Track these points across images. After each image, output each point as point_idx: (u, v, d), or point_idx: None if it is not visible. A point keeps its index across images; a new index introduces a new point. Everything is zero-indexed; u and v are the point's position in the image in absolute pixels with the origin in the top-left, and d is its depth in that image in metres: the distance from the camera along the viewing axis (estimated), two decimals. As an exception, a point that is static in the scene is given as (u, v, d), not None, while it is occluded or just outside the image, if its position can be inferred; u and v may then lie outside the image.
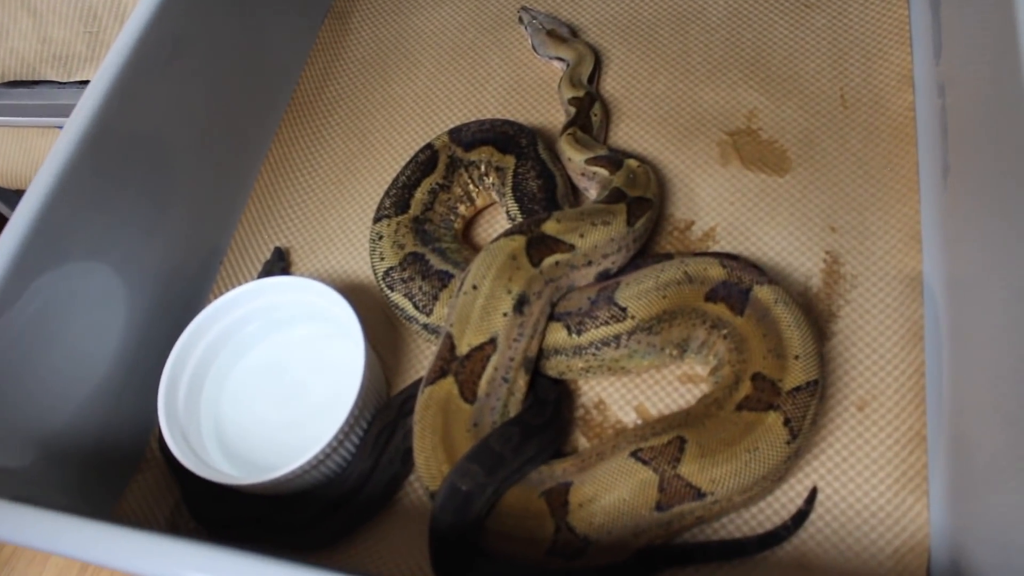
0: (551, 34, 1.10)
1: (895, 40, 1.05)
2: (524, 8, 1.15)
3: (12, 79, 1.51)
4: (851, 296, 0.87)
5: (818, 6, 1.10)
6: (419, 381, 0.84)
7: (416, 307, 0.85)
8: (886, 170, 0.95)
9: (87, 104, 0.84)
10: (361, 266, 1.00)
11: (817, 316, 0.86)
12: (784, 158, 0.98)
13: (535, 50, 1.11)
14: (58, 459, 0.82)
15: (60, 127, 1.57)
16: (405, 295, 0.86)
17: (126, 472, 0.90)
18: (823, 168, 0.96)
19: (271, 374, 0.88)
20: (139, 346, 0.90)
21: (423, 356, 0.91)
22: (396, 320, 0.93)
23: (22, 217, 0.78)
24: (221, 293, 1.00)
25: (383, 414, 0.83)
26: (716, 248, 0.92)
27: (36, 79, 1.52)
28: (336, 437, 0.77)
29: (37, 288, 0.78)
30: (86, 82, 1.48)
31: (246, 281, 1.01)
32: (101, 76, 0.86)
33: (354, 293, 0.96)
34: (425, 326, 0.86)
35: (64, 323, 0.82)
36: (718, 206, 0.95)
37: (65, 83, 1.54)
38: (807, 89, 1.03)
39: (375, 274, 0.90)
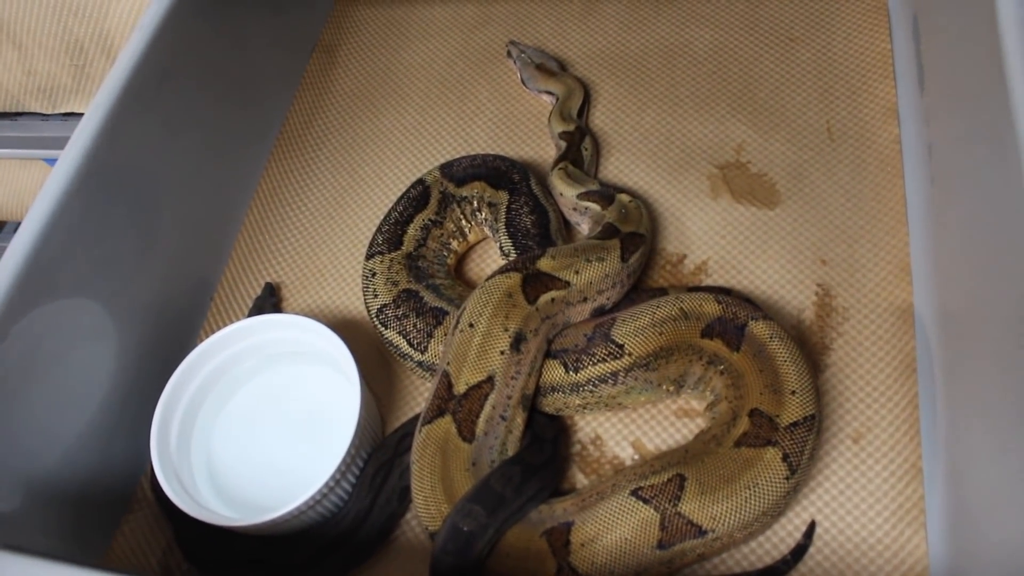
0: (540, 68, 1.11)
1: (879, 73, 1.07)
2: (512, 42, 1.16)
3: (-5, 112, 1.50)
4: (843, 329, 0.88)
5: (803, 40, 1.12)
6: (415, 418, 0.84)
7: (411, 344, 0.85)
8: (874, 202, 0.96)
9: (80, 139, 0.84)
10: (353, 301, 0.99)
11: (811, 349, 0.86)
12: (773, 191, 0.99)
13: (524, 84, 1.12)
14: (48, 502, 0.80)
15: (43, 159, 1.56)
16: (399, 332, 0.86)
17: (117, 513, 0.89)
18: (812, 201, 0.97)
19: (264, 413, 0.87)
20: (130, 384, 0.89)
21: (418, 393, 0.91)
22: (390, 357, 0.93)
23: (15, 254, 0.77)
24: (212, 329, 1.00)
25: (379, 452, 0.82)
26: (708, 282, 0.93)
27: (20, 111, 1.51)
28: (333, 476, 0.76)
29: (25, 326, 0.77)
30: (71, 114, 1.48)
31: (237, 317, 1.01)
32: (94, 111, 0.86)
33: (346, 329, 0.96)
34: (420, 363, 0.86)
35: (52, 361, 0.81)
36: (710, 240, 0.96)
37: (49, 115, 1.53)
38: (794, 122, 1.04)
39: (368, 311, 0.89)
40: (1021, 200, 0.65)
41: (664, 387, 0.81)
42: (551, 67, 1.12)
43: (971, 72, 0.82)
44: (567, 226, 0.98)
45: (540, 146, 1.09)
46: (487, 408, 0.75)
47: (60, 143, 1.44)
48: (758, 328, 0.77)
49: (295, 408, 0.87)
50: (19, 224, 1.79)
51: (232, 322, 0.98)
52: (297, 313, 0.91)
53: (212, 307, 1.03)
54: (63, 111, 1.50)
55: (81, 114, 1.38)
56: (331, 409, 0.85)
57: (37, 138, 1.56)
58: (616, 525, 0.70)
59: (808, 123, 1.04)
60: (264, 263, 1.05)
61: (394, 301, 0.87)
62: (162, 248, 0.95)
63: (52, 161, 1.53)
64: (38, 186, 1.61)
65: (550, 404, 0.82)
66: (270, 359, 0.89)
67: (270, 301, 1.00)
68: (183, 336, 0.99)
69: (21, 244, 0.78)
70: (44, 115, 1.54)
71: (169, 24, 0.94)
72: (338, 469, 0.76)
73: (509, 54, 1.15)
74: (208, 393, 0.87)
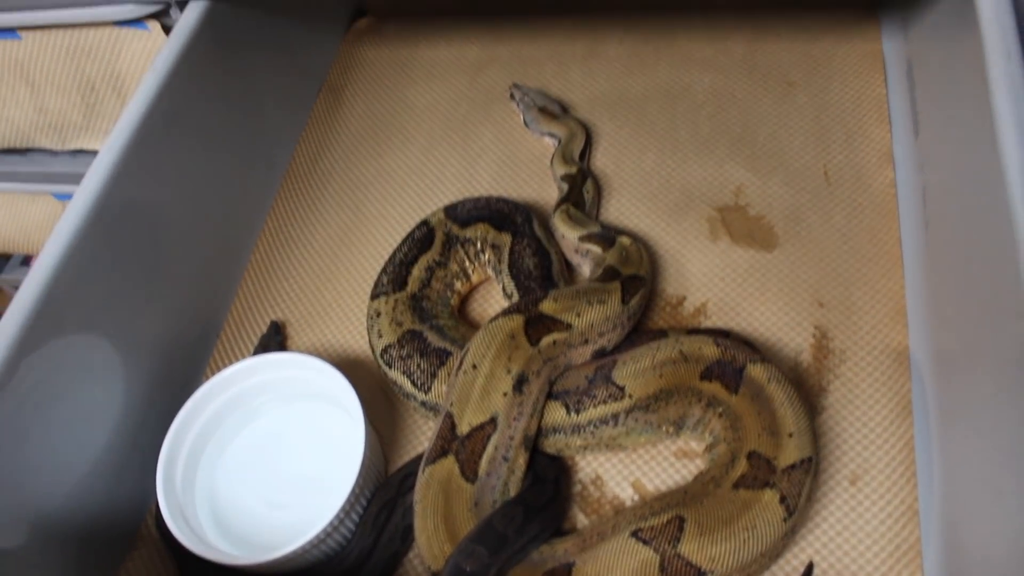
0: (543, 110, 1.14)
1: (875, 118, 1.09)
2: (515, 85, 1.19)
3: (6, 147, 1.52)
4: (840, 371, 0.89)
5: (800, 84, 1.15)
6: (418, 458, 0.85)
7: (414, 384, 0.87)
8: (870, 245, 0.98)
9: (94, 178, 0.86)
10: (357, 340, 1.01)
11: (808, 391, 0.88)
12: (772, 234, 1.01)
13: (527, 126, 1.14)
14: (52, 538, 0.81)
15: (51, 193, 1.58)
16: (403, 372, 0.87)
17: (121, 550, 0.90)
18: (809, 243, 0.99)
19: (269, 451, 0.88)
20: (137, 420, 0.91)
21: (421, 432, 0.92)
22: (394, 396, 0.94)
23: (30, 290, 0.78)
24: (218, 367, 1.01)
25: (382, 491, 0.83)
26: (708, 324, 0.95)
27: (29, 147, 1.54)
28: (337, 515, 0.77)
29: (34, 361, 0.79)
30: (80, 151, 1.50)
31: (243, 355, 1.02)
32: (108, 150, 0.88)
33: (350, 368, 0.98)
34: (423, 403, 0.87)
35: (60, 397, 0.82)
36: (709, 282, 0.98)
37: (58, 151, 1.55)
38: (792, 165, 1.06)
39: (373, 351, 0.91)
40: (1012, 243, 0.67)
41: (664, 428, 0.83)
42: (553, 110, 1.14)
43: (963, 117, 0.84)
44: (569, 268, 0.99)
45: (542, 188, 1.11)
46: (490, 449, 0.76)
47: (68, 178, 1.46)
48: (756, 371, 0.79)
49: (300, 447, 0.88)
50: (25, 257, 1.81)
51: (238, 360, 0.99)
52: (302, 352, 0.92)
53: (218, 345, 1.04)
54: (72, 147, 1.52)
55: (90, 151, 1.41)
56: (335, 448, 0.87)
57: (46, 173, 1.58)
58: (616, 566, 0.71)
59: (805, 166, 1.06)
60: (270, 301, 1.07)
61: (399, 341, 0.89)
62: (169, 286, 0.97)
63: (60, 196, 1.56)
64: (45, 220, 1.63)
65: (552, 445, 0.84)
66: (275, 398, 0.90)
67: (275, 339, 1.01)
68: (189, 373, 1.00)
69: (35, 281, 0.79)
70: (53, 151, 1.56)
71: (181, 67, 0.97)
72: (342, 508, 0.77)
73: (512, 96, 1.18)
74: (214, 431, 0.88)
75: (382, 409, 0.94)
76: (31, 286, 0.79)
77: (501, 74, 1.26)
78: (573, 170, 1.04)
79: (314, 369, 0.86)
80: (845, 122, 1.09)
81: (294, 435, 0.89)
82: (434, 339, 0.88)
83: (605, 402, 0.80)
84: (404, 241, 0.98)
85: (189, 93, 0.99)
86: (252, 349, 1.02)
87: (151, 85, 0.94)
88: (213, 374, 0.91)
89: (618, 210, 1.06)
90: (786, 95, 1.14)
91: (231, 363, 0.96)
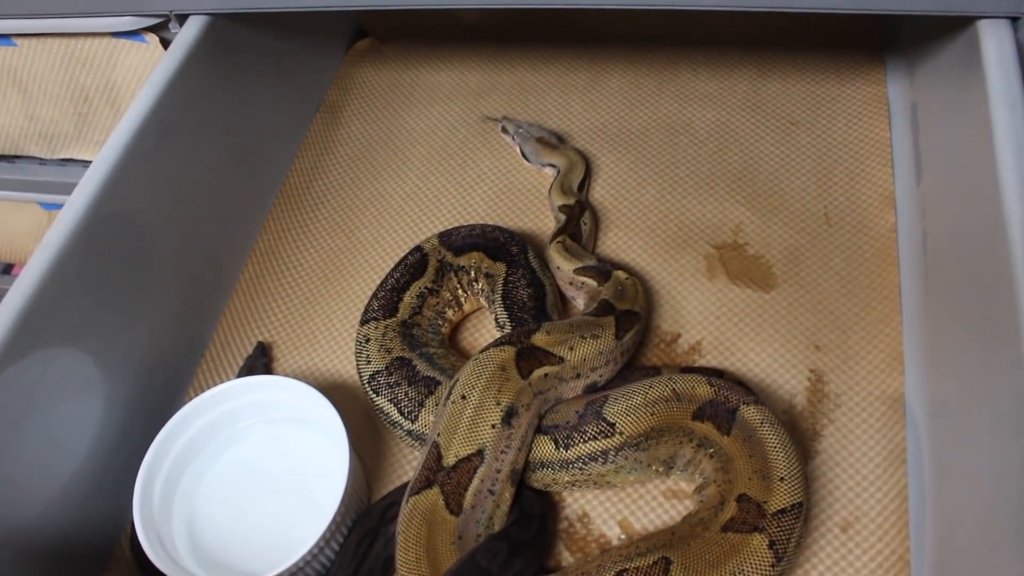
0: (541, 141, 1.15)
1: (877, 161, 1.11)
2: (506, 118, 1.20)
3: (-6, 154, 1.53)
4: (835, 416, 0.90)
5: (803, 124, 1.17)
6: (401, 487, 0.86)
7: (401, 413, 0.87)
8: (869, 290, 0.99)
9: (85, 190, 0.86)
10: (345, 366, 1.01)
11: (801, 435, 0.89)
12: (770, 274, 1.02)
13: (526, 159, 1.16)
14: (22, 556, 0.81)
15: (38, 202, 1.58)
16: (391, 400, 0.88)
17: (94, 571, 0.90)
18: (808, 286, 1.00)
19: (250, 476, 0.88)
20: (115, 439, 0.91)
21: (406, 462, 0.92)
22: (380, 424, 0.95)
23: (15, 301, 0.79)
24: (202, 386, 1.02)
25: (364, 520, 0.84)
26: (702, 362, 0.95)
27: (18, 154, 1.55)
28: (317, 543, 0.77)
29: (13, 375, 0.79)
30: (69, 160, 1.51)
31: (228, 375, 1.03)
32: (100, 163, 0.89)
33: (336, 393, 0.98)
34: (409, 432, 0.88)
35: (38, 412, 0.82)
36: (704, 320, 0.99)
37: (46, 160, 1.56)
38: (792, 206, 1.08)
39: (360, 377, 0.92)
40: (1011, 294, 0.68)
41: (654, 467, 0.83)
42: (552, 140, 1.16)
43: (966, 164, 0.86)
44: (563, 300, 1.00)
45: (539, 218, 1.12)
46: (475, 481, 0.77)
47: (56, 188, 1.47)
48: (749, 413, 0.80)
49: (282, 472, 0.88)
50: (8, 265, 1.81)
51: (222, 381, 1.00)
52: (288, 375, 0.93)
53: (203, 364, 1.05)
54: (61, 157, 1.53)
55: (80, 161, 1.42)
56: (318, 474, 0.87)
57: (33, 182, 1.59)
58: (600, 607, 0.71)
59: (806, 207, 1.07)
60: (257, 322, 1.08)
61: (387, 368, 0.89)
62: (155, 302, 0.97)
63: (47, 205, 1.56)
64: (31, 228, 1.64)
65: (539, 480, 0.84)
66: (259, 421, 0.91)
67: (261, 361, 1.02)
68: (172, 392, 1.01)
69: (20, 293, 0.80)
70: (42, 159, 1.57)
71: (177, 81, 0.98)
72: (323, 536, 0.77)
73: (504, 130, 1.19)
74: (195, 452, 0.88)
75: (367, 437, 0.94)
76: (15, 297, 0.80)
77: (501, 101, 1.28)
78: (571, 201, 1.06)
79: (299, 393, 0.87)
80: (847, 164, 1.11)
81: (277, 459, 0.89)
82: (423, 367, 0.89)
83: (595, 438, 0.80)
84: (396, 266, 0.99)
85: (184, 108, 1.00)
86: (237, 370, 1.03)
87: (147, 98, 0.95)
88: (196, 394, 0.91)
89: (615, 244, 1.08)
90: (789, 134, 1.16)
91: (215, 384, 0.96)
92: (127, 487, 0.83)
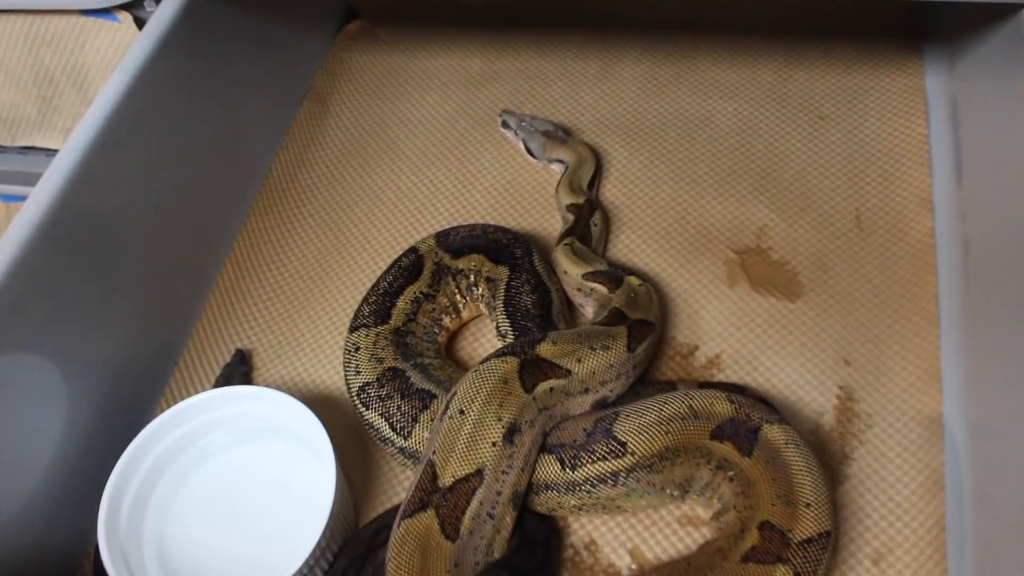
0: (547, 135, 1.15)
1: (914, 160, 1.11)
2: (507, 111, 1.21)
3: (-51, 141, 1.53)
4: (866, 437, 0.90)
5: (834, 119, 1.17)
6: (392, 510, 0.86)
7: (393, 428, 0.87)
8: (904, 300, 0.99)
9: (51, 182, 0.86)
10: (331, 376, 1.02)
11: (829, 458, 0.89)
12: (795, 282, 1.02)
13: (531, 155, 1.16)
14: (-23, 581, 0.82)
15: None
16: (381, 414, 0.88)
17: (54, 598, 0.90)
18: (837, 295, 1.01)
19: (227, 494, 0.88)
20: (80, 453, 0.91)
21: (398, 482, 0.93)
22: (369, 440, 0.95)
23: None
24: (175, 397, 1.02)
25: (351, 546, 0.84)
26: (721, 377, 0.96)
27: (-27, 141, 1.54)
28: (300, 570, 0.77)
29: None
30: (30, 148, 1.51)
31: (203, 385, 1.03)
32: (67, 153, 0.89)
33: (322, 406, 0.97)
34: (402, 450, 0.88)
35: (-7, 425, 0.82)
36: (724, 331, 0.99)
37: (6, 147, 1.56)
38: (821, 208, 1.08)
39: (349, 389, 0.92)
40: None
41: (668, 491, 0.84)
42: (559, 134, 1.16)
43: (1013, 163, 0.86)
44: (570, 308, 1.01)
45: (545, 218, 1.13)
46: (474, 504, 0.77)
47: (16, 178, 1.47)
48: (773, 432, 0.80)
49: (262, 491, 0.88)
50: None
51: (197, 391, 1.00)
52: (269, 386, 0.93)
53: (176, 373, 1.05)
54: (22, 144, 1.53)
55: (43, 149, 1.42)
56: (301, 495, 0.87)
57: (-11, 171, 1.59)
58: (609, 643, 0.71)
59: (836, 209, 1.08)
60: (236, 328, 1.08)
61: (378, 380, 0.89)
62: (125, 305, 0.97)
63: (7, 197, 1.56)
64: (-13, 223, 1.63)
65: (543, 503, 0.84)
66: (237, 435, 0.91)
67: (240, 370, 1.02)
68: (142, 404, 1.01)
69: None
70: (1, 147, 1.57)
71: (153, 64, 0.98)
72: (305, 563, 0.77)
73: (505, 125, 1.20)
74: (166, 469, 0.88)
75: (355, 454, 0.95)
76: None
77: (505, 90, 1.28)
78: (580, 200, 1.06)
79: (282, 406, 0.87)
80: (881, 163, 1.12)
81: (256, 478, 0.89)
82: (417, 379, 0.89)
83: (604, 458, 0.81)
84: (389, 269, 0.99)
85: (160, 94, 1.00)
86: (213, 380, 1.03)
87: (118, 83, 0.95)
88: (169, 405, 0.91)
89: (627, 247, 1.08)
90: (817, 130, 1.16)
91: (190, 394, 0.97)
92: (92, 507, 0.83)
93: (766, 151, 1.15)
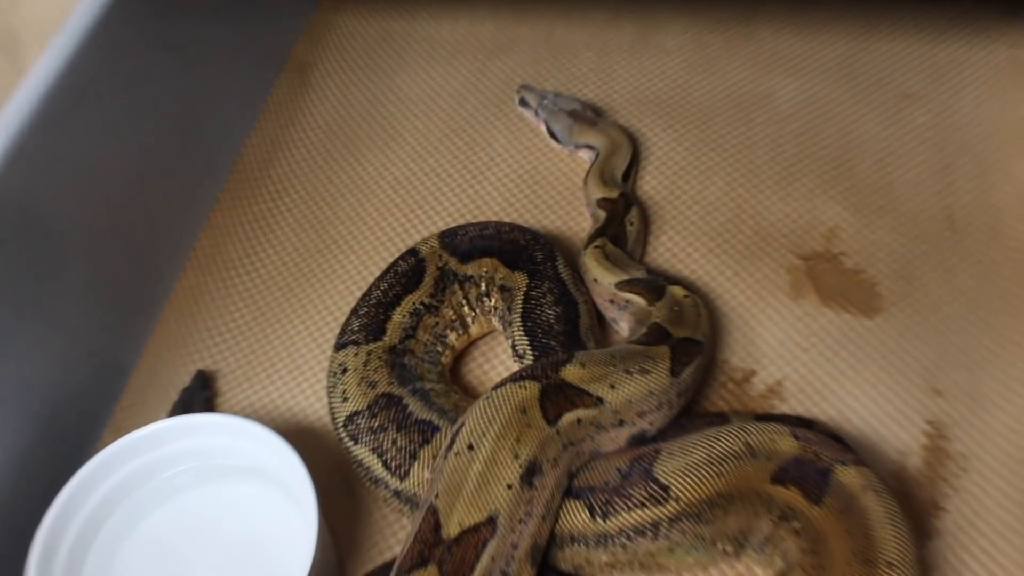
0: (574, 115, 1.15)
1: (1017, 148, 1.11)
2: (525, 87, 1.20)
3: None
4: (960, 483, 0.89)
5: (919, 99, 1.16)
6: (385, 567, 0.85)
7: (387, 467, 0.87)
8: (1006, 316, 0.99)
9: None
10: (312, 404, 1.01)
11: (916, 507, 0.88)
12: (874, 294, 1.01)
13: (554, 139, 1.16)
14: None
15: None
16: (373, 450, 0.87)
17: (-26, 670, 0.89)
18: (925, 310, 1.00)
19: (185, 545, 0.88)
20: (4, 496, 0.90)
21: (391, 532, 0.92)
22: (357, 481, 0.95)
23: None
24: (122, 428, 1.01)
25: (334, 610, 0.83)
26: (784, 409, 0.95)
27: None
28: (271, 640, 0.77)
29: None
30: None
31: (156, 413, 1.02)
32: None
33: (301, 440, 0.96)
34: (397, 493, 0.87)
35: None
36: (787, 353, 0.99)
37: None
38: (904, 205, 1.07)
39: (334, 419, 0.91)
40: None
41: (720, 546, 0.83)
42: (588, 115, 1.16)
43: None
44: (601, 323, 1.00)
45: (571, 215, 1.12)
46: (485, 559, 0.76)
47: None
48: (847, 476, 0.79)
49: (227, 542, 0.87)
50: None
51: (149, 421, 0.99)
52: (237, 414, 0.92)
53: (123, 399, 1.04)
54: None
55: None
56: (275, 547, 0.86)
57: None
58: None
59: (922, 207, 1.07)
60: (196, 344, 1.07)
61: (369, 408, 0.89)
62: (62, 318, 0.97)
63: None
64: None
65: (568, 559, 0.83)
66: (198, 474, 0.90)
67: (202, 395, 1.02)
68: (82, 436, 1.00)
69: None
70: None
71: (101, 30, 0.98)
72: (280, 629, 0.77)
73: (523, 103, 1.19)
74: (110, 514, 0.88)
75: (341, 498, 0.94)
76: None
77: (523, 62, 1.28)
78: (614, 194, 1.06)
79: (253, 439, 0.86)
80: (977, 151, 1.11)
81: (221, 525, 0.88)
82: (417, 408, 0.89)
83: (643, 505, 0.80)
84: (384, 275, 0.99)
85: (110, 66, 1.00)
86: (170, 407, 1.02)
87: (60, 52, 0.95)
88: (115, 438, 0.91)
89: (670, 251, 1.07)
90: (899, 112, 1.15)
91: (140, 424, 0.96)
92: (19, 559, 0.82)
93: (838, 136, 1.15)
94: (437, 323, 0.97)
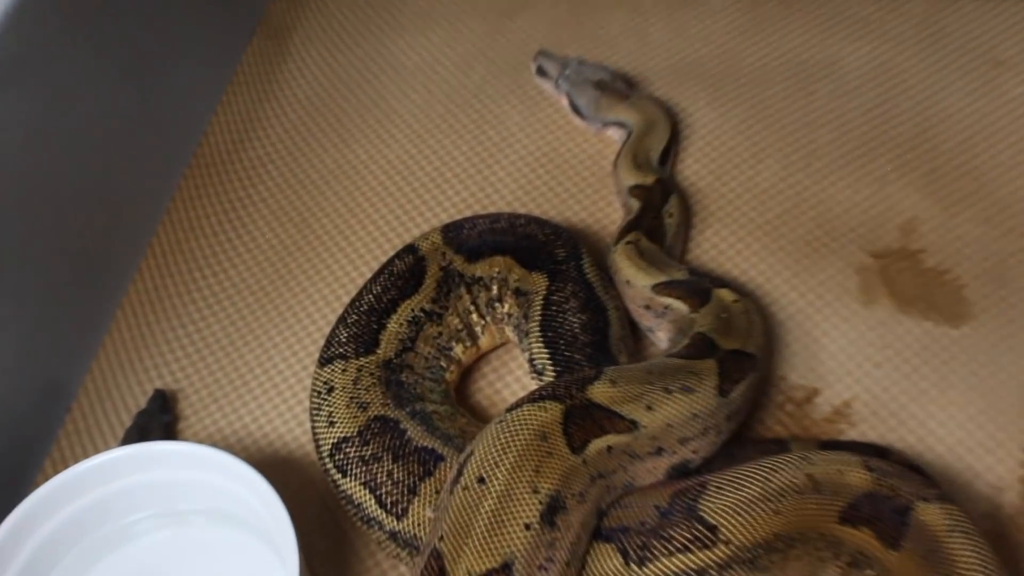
0: (603, 87, 1.15)
1: None
2: (544, 53, 1.20)
3: None
4: (1064, 523, 0.89)
5: (1013, 66, 1.16)
6: (379, 623, 0.85)
7: (381, 504, 0.87)
8: (1119, 327, 0.99)
9: None
10: (292, 430, 1.02)
11: (1012, 551, 0.88)
12: (960, 298, 1.01)
13: (578, 114, 1.16)
14: None
15: None
16: (365, 484, 0.88)
17: None
18: (1021, 318, 1.00)
19: (142, 598, 0.89)
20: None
21: (386, 582, 0.92)
22: (345, 521, 0.95)
23: None
24: (65, 458, 1.02)
25: (319, 674, 0.83)
26: (854, 434, 0.95)
27: None
28: None
29: None
30: None
31: (108, 442, 1.02)
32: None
33: (279, 473, 0.96)
34: (393, 535, 0.87)
35: None
36: (856, 368, 0.99)
37: None
38: (995, 193, 1.08)
39: (318, 447, 0.91)
40: None
41: (777, 599, 0.83)
42: (618, 87, 1.16)
43: None
44: (635, 333, 1.00)
45: (598, 204, 1.13)
46: (498, 614, 0.76)
47: None
48: (930, 514, 0.79)
49: (192, 593, 0.88)
50: None
51: (98, 449, 1.00)
52: (203, 441, 0.93)
53: (67, 425, 1.05)
54: None
55: None
56: (248, 599, 0.87)
57: None
58: None
59: (1017, 194, 1.07)
60: (154, 359, 1.08)
61: (360, 434, 0.89)
62: (-6, 327, 0.98)
63: None
64: None
65: (597, 613, 0.83)
66: (157, 514, 0.90)
67: (160, 420, 1.02)
68: (18, 468, 1.01)
69: None
70: None
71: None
72: None
73: (541, 72, 1.20)
74: (54, 562, 0.88)
75: (326, 541, 0.94)
76: None
77: (539, 25, 1.28)
78: (649, 180, 1.06)
79: (221, 471, 0.86)
80: (1083, 129, 1.11)
81: (185, 574, 0.89)
82: (417, 433, 0.89)
83: (686, 549, 0.79)
84: (377, 277, 0.99)
85: (46, 33, 1.00)
86: (122, 434, 1.02)
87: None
88: (57, 470, 0.91)
89: (716, 247, 1.08)
90: (990, 82, 1.15)
91: (87, 454, 0.96)
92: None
93: (916, 112, 1.15)
94: (440, 333, 0.98)
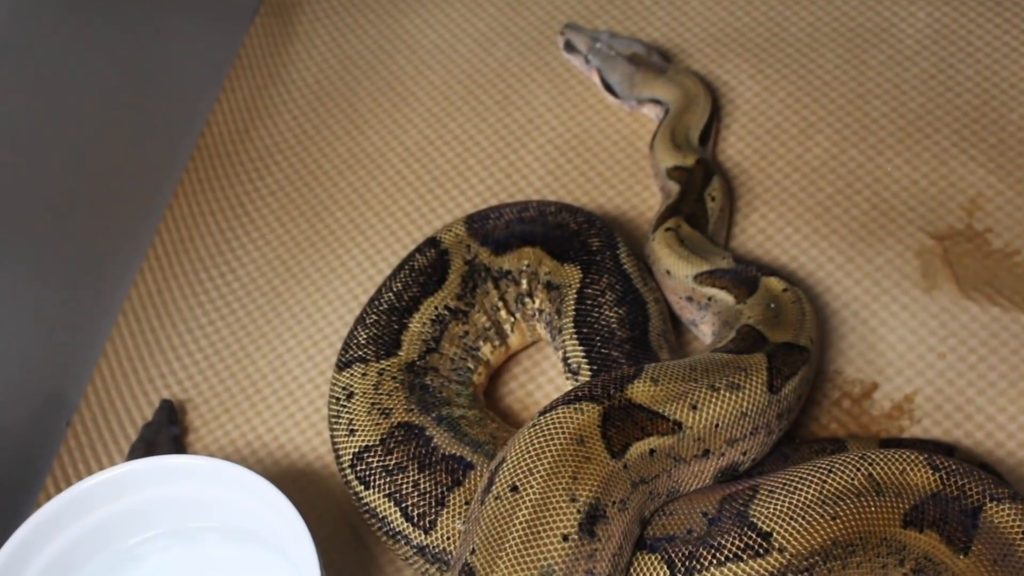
0: (635, 61, 1.16)
1: None
2: (571, 26, 1.20)
3: None
4: None
5: (1088, 29, 1.17)
6: (408, 645, 0.86)
7: (407, 517, 0.88)
8: None
9: None
10: (309, 439, 1.03)
11: (1090, 556, 0.88)
12: (1032, 282, 1.02)
13: (610, 91, 1.17)
14: None
15: None
16: (390, 496, 0.88)
17: None
18: (1096, 302, 1.00)
19: (154, 623, 0.90)
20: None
21: (414, 601, 0.93)
22: (369, 536, 0.96)
23: None
24: (68, 475, 1.03)
25: None
26: (916, 431, 0.96)
27: None
28: None
29: None
30: None
31: (111, 456, 1.04)
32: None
33: (297, 486, 0.97)
34: (421, 549, 0.88)
35: None
36: (918, 360, 0.99)
37: None
38: (1070, 167, 1.08)
39: (338, 458, 0.92)
40: None
41: (837, 610, 0.83)
42: (653, 61, 1.16)
43: None
44: (676, 327, 1.01)
45: (634, 189, 1.13)
46: (536, 633, 0.77)
47: None
48: (1002, 515, 0.79)
49: (207, 617, 0.89)
50: None
51: (103, 465, 1.00)
52: (214, 454, 0.93)
53: (69, 440, 1.06)
54: None
55: None
56: (267, 622, 0.88)
57: None
58: None
59: (1093, 170, 1.08)
60: (160, 368, 1.09)
61: (383, 443, 0.90)
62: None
63: None
64: None
65: (642, 630, 0.84)
66: (167, 532, 0.91)
67: (168, 433, 1.03)
68: (17, 485, 1.02)
69: None
70: None
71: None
72: None
73: (569, 47, 1.20)
74: (61, 584, 0.89)
75: (349, 557, 0.95)
76: None
77: (567, -5, 1.29)
78: (689, 161, 1.06)
79: (235, 485, 0.87)
80: None
81: (198, 598, 0.90)
82: (443, 440, 0.90)
83: (737, 558, 0.80)
84: (397, 273, 1.00)
85: (39, 12, 1.01)
86: (128, 448, 1.04)
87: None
88: (59, 489, 0.92)
89: (763, 231, 1.08)
90: (1061, 46, 1.16)
91: (91, 471, 0.97)
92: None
93: (980, 82, 1.15)
94: (467, 332, 0.99)
